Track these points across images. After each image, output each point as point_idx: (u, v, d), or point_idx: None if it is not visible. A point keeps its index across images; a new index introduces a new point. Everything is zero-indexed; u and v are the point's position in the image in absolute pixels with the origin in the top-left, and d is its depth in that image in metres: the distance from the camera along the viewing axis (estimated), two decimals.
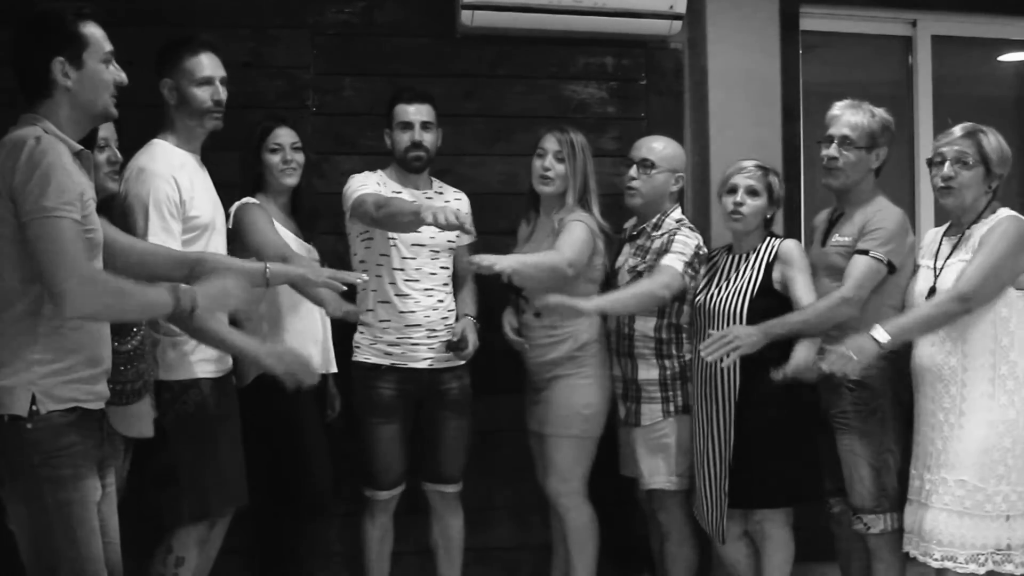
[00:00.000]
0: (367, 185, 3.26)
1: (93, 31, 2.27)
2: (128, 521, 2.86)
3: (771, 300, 3.13)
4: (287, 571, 3.26)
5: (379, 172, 3.39)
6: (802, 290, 3.11)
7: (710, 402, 3.19)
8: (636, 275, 3.30)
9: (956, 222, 3.03)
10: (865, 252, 3.05)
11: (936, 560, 2.86)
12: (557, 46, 3.86)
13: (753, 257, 3.22)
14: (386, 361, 3.29)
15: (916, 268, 3.12)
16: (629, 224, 3.51)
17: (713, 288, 3.25)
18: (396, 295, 3.27)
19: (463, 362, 3.38)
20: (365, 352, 3.32)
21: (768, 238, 3.25)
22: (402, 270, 3.28)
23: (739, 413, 3.13)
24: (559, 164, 3.32)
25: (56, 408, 2.17)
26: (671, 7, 3.72)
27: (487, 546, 3.68)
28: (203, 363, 2.94)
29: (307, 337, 3.23)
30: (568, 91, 3.89)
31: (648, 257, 3.29)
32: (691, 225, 3.36)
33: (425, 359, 3.31)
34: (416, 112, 3.33)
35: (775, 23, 3.92)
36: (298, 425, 3.19)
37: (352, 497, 3.43)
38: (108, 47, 2.30)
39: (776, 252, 3.18)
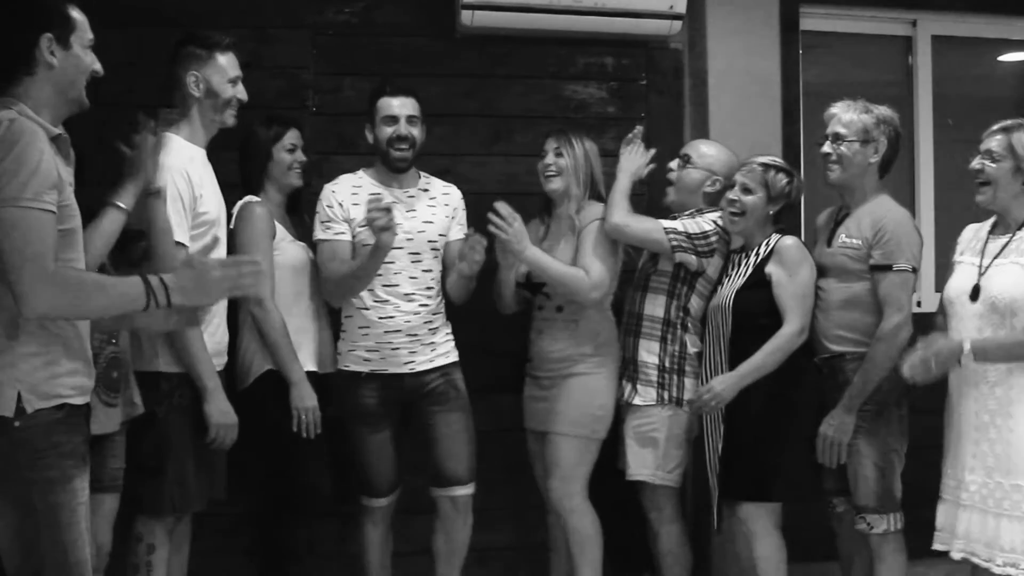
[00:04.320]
0: (330, 226, 3.21)
1: (79, 16, 2.24)
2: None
3: (759, 293, 3.14)
4: (287, 571, 3.25)
5: (360, 173, 3.31)
6: (788, 298, 3.11)
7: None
8: (651, 260, 3.35)
9: (1001, 220, 2.97)
10: (888, 267, 3.05)
11: (999, 567, 2.79)
12: (557, 46, 3.86)
13: (754, 253, 3.22)
14: (365, 368, 3.22)
15: (952, 265, 3.06)
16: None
17: (718, 287, 3.28)
18: (375, 301, 3.19)
19: (449, 361, 3.29)
20: (345, 359, 3.26)
21: (773, 234, 3.23)
22: (380, 275, 3.17)
23: (729, 405, 3.14)
24: (559, 159, 3.34)
25: (43, 406, 2.09)
26: (671, 7, 3.72)
27: (487, 546, 3.68)
28: None
29: (307, 337, 3.23)
30: (568, 91, 3.89)
31: None
32: (717, 219, 3.31)
33: (406, 363, 3.22)
34: (401, 105, 3.24)
35: (775, 23, 3.93)
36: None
37: (352, 497, 3.43)
38: (91, 34, 2.26)
39: (773, 247, 3.17)
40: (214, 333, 3.00)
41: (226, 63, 3.00)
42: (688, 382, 3.30)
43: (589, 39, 3.83)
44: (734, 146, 3.54)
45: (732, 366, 3.14)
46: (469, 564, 3.51)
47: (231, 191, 3.22)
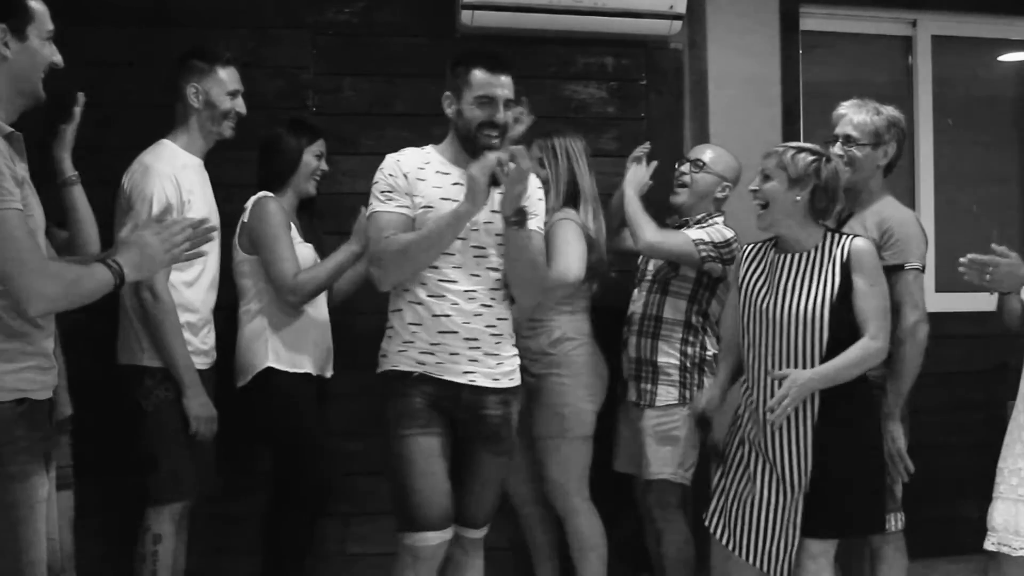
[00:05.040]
0: (392, 197, 2.74)
1: (38, 6, 2.15)
2: (105, 506, 2.92)
3: (845, 305, 2.82)
4: (289, 570, 3.25)
5: (428, 149, 2.85)
6: (872, 311, 2.82)
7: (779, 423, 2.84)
8: (671, 267, 3.35)
9: None
10: (900, 267, 3.04)
11: None
12: (557, 46, 3.86)
13: (821, 257, 2.87)
14: (417, 369, 2.71)
15: None
16: (670, 223, 3.53)
17: (777, 293, 2.88)
18: (428, 296, 2.71)
19: (513, 384, 2.83)
20: (393, 359, 2.75)
21: (830, 235, 2.90)
22: (436, 267, 2.72)
23: (817, 434, 2.81)
24: (542, 170, 3.32)
25: (3, 400, 2.02)
26: (671, 7, 3.72)
27: (487, 546, 3.67)
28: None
29: (307, 338, 3.21)
30: (568, 91, 3.89)
31: None
32: (732, 228, 3.36)
33: (466, 372, 2.73)
34: (502, 86, 2.75)
35: (775, 23, 3.93)
36: (297, 423, 3.18)
37: (352, 498, 3.43)
38: (51, 25, 2.17)
39: (849, 253, 2.85)
40: (197, 332, 3.05)
41: (226, 77, 3.08)
42: (708, 382, 3.30)
43: (589, 39, 3.83)
44: (734, 146, 3.55)
45: (825, 393, 2.81)
46: None
47: (230, 191, 3.23)
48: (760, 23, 3.90)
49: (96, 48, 3.45)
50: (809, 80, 4.06)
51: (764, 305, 2.90)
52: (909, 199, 4.13)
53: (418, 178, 2.76)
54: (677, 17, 3.76)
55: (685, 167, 3.44)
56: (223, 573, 3.48)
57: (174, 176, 2.95)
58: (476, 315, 2.72)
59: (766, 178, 2.90)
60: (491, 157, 2.60)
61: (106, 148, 3.12)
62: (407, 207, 2.73)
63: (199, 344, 3.05)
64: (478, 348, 2.72)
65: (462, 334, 2.70)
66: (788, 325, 2.84)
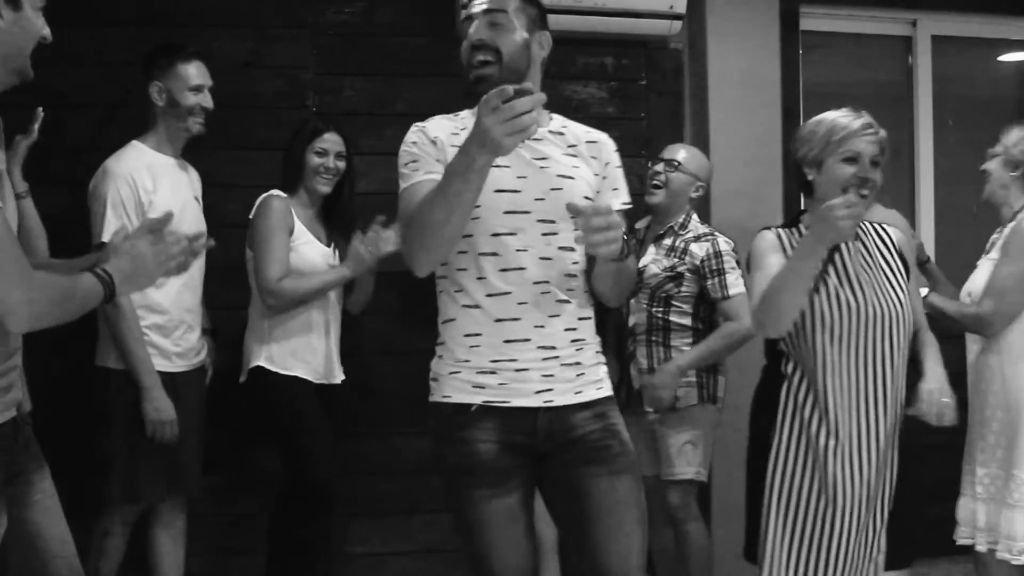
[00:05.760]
0: (418, 167, 2.15)
1: None
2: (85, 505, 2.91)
3: None
4: (292, 570, 3.24)
5: (462, 114, 2.26)
6: (919, 304, 2.73)
7: (862, 430, 2.48)
8: (675, 276, 3.33)
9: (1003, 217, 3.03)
10: None
11: (1016, 557, 2.76)
12: (557, 46, 3.81)
13: (872, 246, 2.59)
14: (476, 399, 2.12)
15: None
16: (642, 224, 3.52)
17: (852, 284, 2.50)
18: (488, 295, 2.12)
19: (603, 395, 2.20)
20: (444, 386, 2.16)
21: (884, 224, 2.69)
22: (495, 255, 2.12)
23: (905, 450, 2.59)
24: None
25: None
26: (671, 7, 3.72)
27: (441, 548, 3.66)
28: (153, 358, 2.98)
29: (306, 342, 3.19)
30: (568, 91, 3.89)
31: (686, 258, 3.32)
32: (718, 231, 3.39)
33: (539, 392, 2.12)
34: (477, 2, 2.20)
35: (775, 23, 3.93)
36: (291, 424, 3.16)
37: (355, 497, 3.42)
38: None
39: (898, 245, 2.63)
40: (169, 334, 3.02)
41: (187, 72, 3.03)
42: (722, 380, 3.37)
43: (589, 39, 3.83)
44: (735, 146, 3.56)
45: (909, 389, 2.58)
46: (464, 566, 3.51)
47: (230, 190, 3.24)
48: (760, 23, 3.90)
49: (96, 48, 3.46)
50: (809, 80, 4.07)
51: (843, 298, 2.47)
52: (909, 199, 4.13)
53: (452, 144, 2.13)
54: (677, 17, 3.75)
55: (660, 167, 3.43)
56: (223, 573, 3.48)
57: (130, 176, 2.92)
58: (552, 316, 2.13)
59: (875, 164, 2.49)
60: (491, 95, 1.85)
61: (105, 148, 3.12)
62: (436, 173, 2.09)
63: (170, 346, 3.02)
64: (555, 359, 2.13)
65: (535, 341, 2.12)
66: (883, 318, 2.46)
